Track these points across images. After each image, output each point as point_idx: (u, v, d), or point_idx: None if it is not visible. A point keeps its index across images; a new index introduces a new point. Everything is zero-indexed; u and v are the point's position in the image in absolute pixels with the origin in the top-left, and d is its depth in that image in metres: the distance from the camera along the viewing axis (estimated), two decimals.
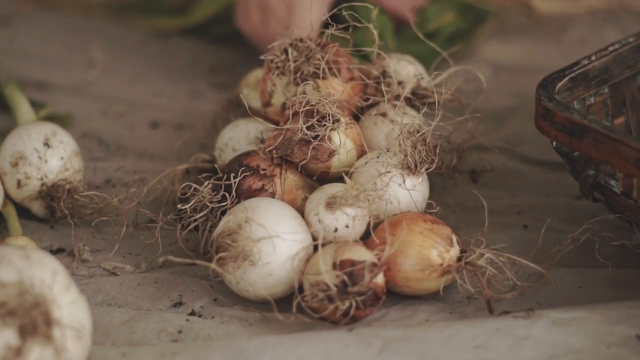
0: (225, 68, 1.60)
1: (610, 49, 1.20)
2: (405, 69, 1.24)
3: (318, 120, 1.12)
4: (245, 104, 1.21)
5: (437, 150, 1.14)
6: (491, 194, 1.26)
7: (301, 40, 1.18)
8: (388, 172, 1.11)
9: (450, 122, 1.21)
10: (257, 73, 1.31)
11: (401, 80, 1.22)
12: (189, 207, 1.12)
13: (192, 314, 1.09)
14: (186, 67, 1.60)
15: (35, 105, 1.37)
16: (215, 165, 1.21)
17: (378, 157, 1.13)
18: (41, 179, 1.20)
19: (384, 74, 1.22)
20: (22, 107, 1.32)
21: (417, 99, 1.22)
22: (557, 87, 1.12)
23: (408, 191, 1.11)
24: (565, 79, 1.14)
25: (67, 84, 1.55)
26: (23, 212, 1.23)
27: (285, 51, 1.18)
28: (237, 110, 1.31)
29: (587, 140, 1.06)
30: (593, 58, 1.18)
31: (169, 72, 1.59)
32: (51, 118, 1.38)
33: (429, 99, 1.21)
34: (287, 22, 1.39)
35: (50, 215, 1.22)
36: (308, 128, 1.12)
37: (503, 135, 1.37)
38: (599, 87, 1.19)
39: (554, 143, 1.13)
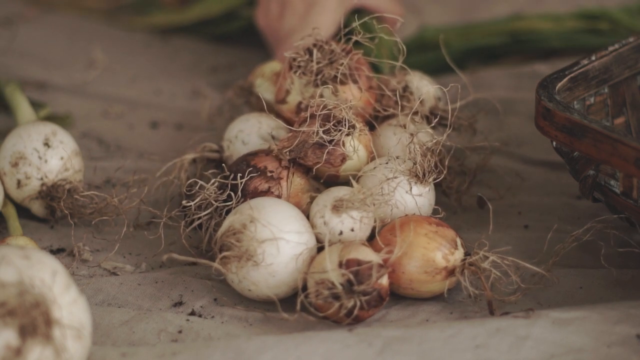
0: (226, 68, 1.60)
1: (610, 49, 1.20)
2: (427, 88, 1.24)
3: (334, 125, 1.12)
4: (260, 94, 1.22)
5: (446, 162, 1.14)
6: (492, 194, 1.26)
7: (326, 42, 1.18)
8: (395, 177, 1.11)
9: (467, 146, 1.24)
10: (273, 65, 1.31)
11: (422, 97, 1.23)
12: (194, 204, 1.13)
13: (192, 313, 1.09)
14: (186, 67, 1.60)
15: (35, 105, 1.36)
16: (222, 159, 1.22)
17: (387, 163, 1.13)
18: (41, 179, 1.20)
19: (406, 88, 1.23)
20: (22, 107, 1.32)
21: (433, 118, 1.22)
22: (557, 87, 1.12)
23: (414, 197, 1.11)
24: (565, 79, 1.14)
25: (67, 84, 1.54)
26: (23, 212, 1.23)
27: (310, 52, 1.18)
28: (248, 97, 1.31)
29: (587, 140, 1.06)
30: (593, 58, 1.18)
31: (169, 72, 1.59)
32: (51, 118, 1.38)
33: (444, 120, 1.21)
34: (304, 19, 1.39)
35: (50, 215, 1.22)
36: (324, 132, 1.12)
37: (503, 136, 1.37)
38: (599, 87, 1.19)
39: (554, 143, 1.13)
